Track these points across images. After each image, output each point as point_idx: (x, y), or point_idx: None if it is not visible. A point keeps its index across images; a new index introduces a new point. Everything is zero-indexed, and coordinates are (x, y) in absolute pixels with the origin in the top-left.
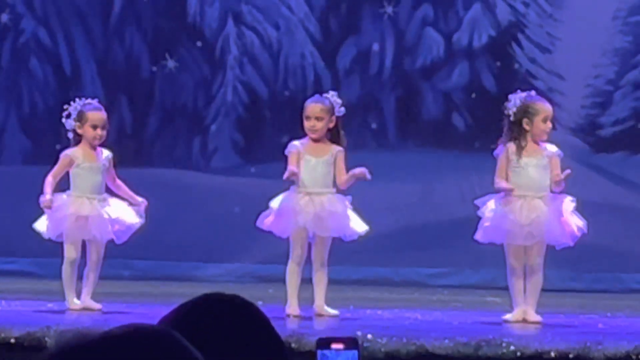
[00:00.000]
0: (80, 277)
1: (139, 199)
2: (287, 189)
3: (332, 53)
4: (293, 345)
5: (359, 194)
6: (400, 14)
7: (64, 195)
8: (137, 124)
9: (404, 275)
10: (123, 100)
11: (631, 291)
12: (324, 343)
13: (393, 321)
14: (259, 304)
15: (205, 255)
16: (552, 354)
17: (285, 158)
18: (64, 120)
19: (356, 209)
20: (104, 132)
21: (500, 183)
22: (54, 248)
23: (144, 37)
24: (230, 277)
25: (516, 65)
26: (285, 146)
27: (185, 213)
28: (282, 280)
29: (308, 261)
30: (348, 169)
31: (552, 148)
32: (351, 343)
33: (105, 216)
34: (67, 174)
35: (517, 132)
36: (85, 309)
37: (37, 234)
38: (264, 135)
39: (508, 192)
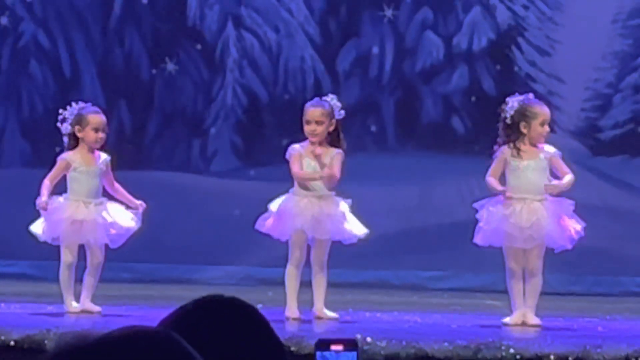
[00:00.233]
0: (79, 280)
1: (137, 202)
2: (286, 191)
3: (331, 56)
4: (292, 348)
5: (358, 196)
6: (400, 17)
7: (60, 199)
8: (136, 126)
9: (404, 278)
10: (122, 103)
11: (630, 294)
12: (323, 345)
13: (392, 324)
14: (259, 306)
15: (204, 258)
16: (552, 357)
17: (285, 161)
18: (59, 124)
19: (356, 212)
20: (104, 135)
21: (492, 182)
22: (53, 251)
23: (143, 40)
24: (230, 280)
25: (516, 69)
26: (285, 149)
27: (184, 216)
28: (282, 283)
29: (307, 264)
30: (346, 172)
31: (549, 149)
32: (350, 344)
33: (101, 221)
34: (64, 177)
35: (515, 135)
36: (84, 311)
37: (35, 238)
38: (264, 139)
39: (502, 193)
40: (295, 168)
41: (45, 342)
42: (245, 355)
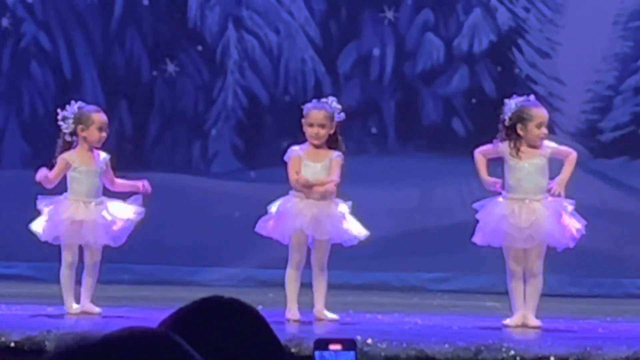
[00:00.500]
0: (78, 282)
1: (139, 183)
2: (286, 193)
3: (332, 58)
4: (293, 349)
5: (359, 198)
6: (400, 19)
7: (60, 198)
8: (137, 128)
9: (404, 279)
10: (123, 105)
11: (631, 296)
12: (322, 344)
13: (393, 326)
14: (259, 308)
15: (205, 259)
16: (552, 359)
17: (285, 163)
18: (60, 123)
19: (356, 214)
20: (106, 135)
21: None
22: (53, 252)
23: (144, 42)
24: (230, 282)
25: (517, 70)
26: (285, 151)
27: (185, 217)
28: (282, 285)
29: (308, 266)
30: (346, 174)
31: (549, 144)
32: (349, 344)
33: (101, 221)
34: (64, 177)
35: (513, 136)
36: (84, 312)
37: (36, 239)
38: (264, 140)
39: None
40: (292, 173)
41: (46, 343)
42: (245, 357)
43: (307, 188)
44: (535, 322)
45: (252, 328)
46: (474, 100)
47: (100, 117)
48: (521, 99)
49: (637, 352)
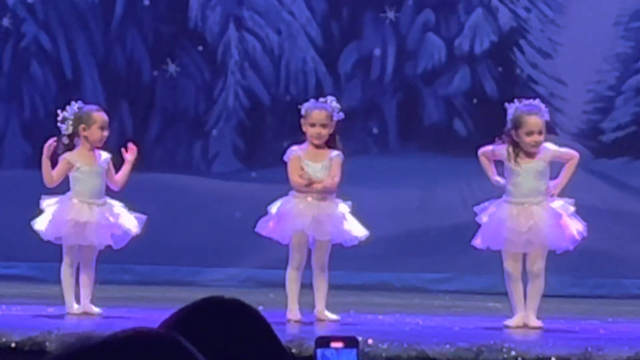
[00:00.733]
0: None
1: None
2: (286, 193)
3: (333, 58)
4: (294, 350)
5: (360, 199)
6: (401, 19)
7: (64, 198)
8: (138, 128)
9: (405, 280)
10: (124, 105)
11: (632, 297)
12: (323, 342)
13: (394, 326)
14: (260, 308)
15: (206, 260)
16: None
17: (286, 163)
18: (59, 124)
19: (357, 214)
20: (107, 134)
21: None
22: (54, 252)
23: (145, 42)
24: (231, 282)
25: (518, 71)
26: (286, 151)
27: (186, 218)
28: (283, 285)
29: (308, 266)
30: (347, 174)
31: (551, 147)
32: (351, 342)
33: (104, 222)
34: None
35: (512, 140)
36: (85, 313)
37: (37, 239)
38: (265, 140)
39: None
40: (292, 174)
41: (46, 343)
42: (246, 357)
43: (310, 187)
44: (537, 323)
45: (253, 328)
46: (475, 101)
47: (101, 116)
48: (524, 103)
49: (638, 352)
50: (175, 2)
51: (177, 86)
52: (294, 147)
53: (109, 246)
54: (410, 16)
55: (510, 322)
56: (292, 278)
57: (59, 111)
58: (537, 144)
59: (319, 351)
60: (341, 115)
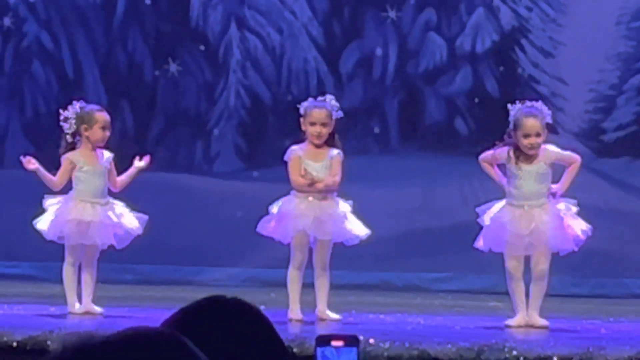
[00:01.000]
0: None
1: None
2: (288, 193)
3: (335, 57)
4: (295, 349)
5: (361, 198)
6: (403, 19)
7: (67, 197)
8: (139, 128)
9: (407, 280)
10: (126, 105)
11: (634, 296)
12: (324, 340)
13: (395, 326)
14: (262, 308)
15: (207, 259)
16: (555, 359)
17: (286, 163)
18: (62, 123)
19: (358, 214)
20: (109, 134)
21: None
22: (56, 252)
23: (146, 41)
24: (233, 282)
25: (519, 70)
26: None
27: (187, 217)
28: (285, 285)
29: (310, 266)
30: (349, 173)
31: (553, 149)
32: (351, 340)
33: (107, 222)
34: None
35: (513, 142)
36: (86, 312)
37: (39, 238)
38: (267, 140)
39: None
40: (293, 175)
41: (48, 343)
42: (247, 356)
43: (312, 186)
44: (542, 322)
45: (254, 327)
46: (476, 100)
47: (103, 116)
48: (526, 104)
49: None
50: (176, 1)
51: (178, 85)
52: (294, 147)
53: (111, 246)
54: (412, 15)
55: (511, 321)
56: (293, 277)
57: (60, 110)
58: (534, 147)
59: (319, 350)
60: (340, 113)
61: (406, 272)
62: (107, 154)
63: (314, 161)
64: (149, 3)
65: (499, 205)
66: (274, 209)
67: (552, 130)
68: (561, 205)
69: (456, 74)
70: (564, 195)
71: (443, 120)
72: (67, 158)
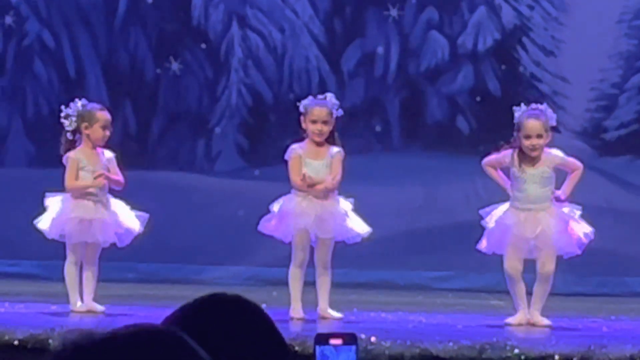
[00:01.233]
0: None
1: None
2: (289, 191)
3: (336, 56)
4: (297, 347)
5: (363, 197)
6: (405, 17)
7: (68, 195)
8: (141, 126)
9: (408, 278)
10: (127, 103)
11: (635, 295)
12: (322, 339)
13: (397, 324)
14: (263, 306)
15: (209, 258)
16: (556, 357)
17: (287, 162)
18: (62, 120)
19: (360, 212)
20: (109, 133)
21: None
22: (58, 250)
23: (148, 40)
24: (235, 280)
25: (521, 69)
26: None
27: (189, 216)
28: (286, 283)
29: (311, 264)
30: (350, 172)
31: (557, 154)
32: (350, 338)
33: (109, 220)
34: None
35: (517, 144)
36: (88, 311)
37: (41, 237)
38: (268, 138)
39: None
40: (293, 174)
41: (50, 341)
42: (248, 354)
43: (311, 188)
44: (545, 322)
45: (255, 325)
46: (478, 99)
47: (104, 116)
48: (531, 107)
49: None
50: (178, 0)
51: (180, 84)
52: (294, 146)
53: (113, 244)
54: (414, 14)
55: (511, 319)
56: (295, 276)
57: (62, 107)
58: (535, 148)
59: (318, 348)
60: (340, 111)
61: (408, 270)
62: (109, 153)
63: (314, 160)
64: (150, 2)
65: (502, 208)
66: (275, 207)
67: (553, 128)
68: (565, 209)
69: (458, 73)
70: (570, 201)
71: (445, 118)
72: (70, 157)
